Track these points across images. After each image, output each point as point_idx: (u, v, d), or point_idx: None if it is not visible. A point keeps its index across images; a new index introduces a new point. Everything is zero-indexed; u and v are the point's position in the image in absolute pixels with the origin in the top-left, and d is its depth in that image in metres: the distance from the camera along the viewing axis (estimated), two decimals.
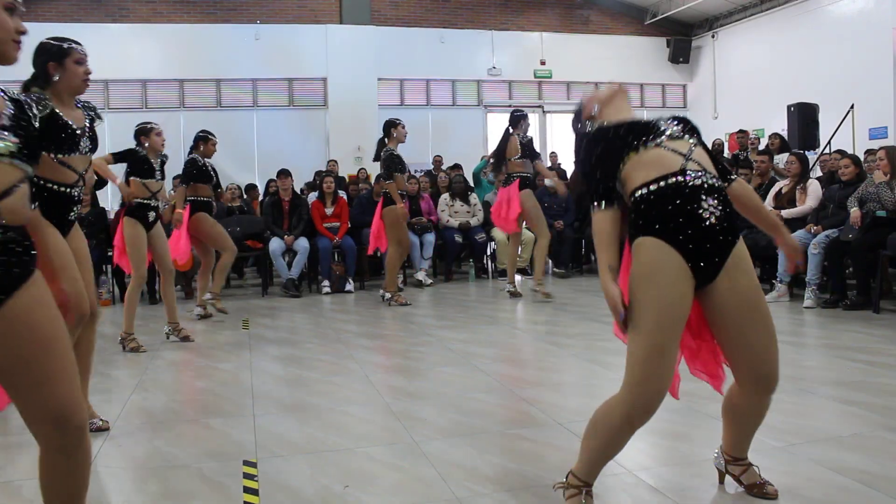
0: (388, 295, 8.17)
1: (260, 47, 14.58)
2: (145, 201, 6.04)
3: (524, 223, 8.30)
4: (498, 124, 8.39)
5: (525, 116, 8.21)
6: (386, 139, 8.03)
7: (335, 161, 12.94)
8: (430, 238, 9.95)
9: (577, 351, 5.59)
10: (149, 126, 6.15)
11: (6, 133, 2.04)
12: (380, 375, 5.21)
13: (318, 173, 11.74)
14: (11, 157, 2.01)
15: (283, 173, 9.59)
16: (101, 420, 3.95)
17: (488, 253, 10.76)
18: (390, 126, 8.03)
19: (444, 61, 15.44)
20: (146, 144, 6.09)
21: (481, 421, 3.91)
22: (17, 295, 2.01)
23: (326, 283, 9.35)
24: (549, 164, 13.23)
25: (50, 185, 3.58)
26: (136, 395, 4.62)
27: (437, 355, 5.64)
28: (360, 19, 14.92)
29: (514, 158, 8.05)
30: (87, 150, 3.75)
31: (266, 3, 14.78)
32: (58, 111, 3.61)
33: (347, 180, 12.59)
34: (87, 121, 3.79)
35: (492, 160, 8.62)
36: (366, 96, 14.71)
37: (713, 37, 16.63)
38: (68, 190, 3.64)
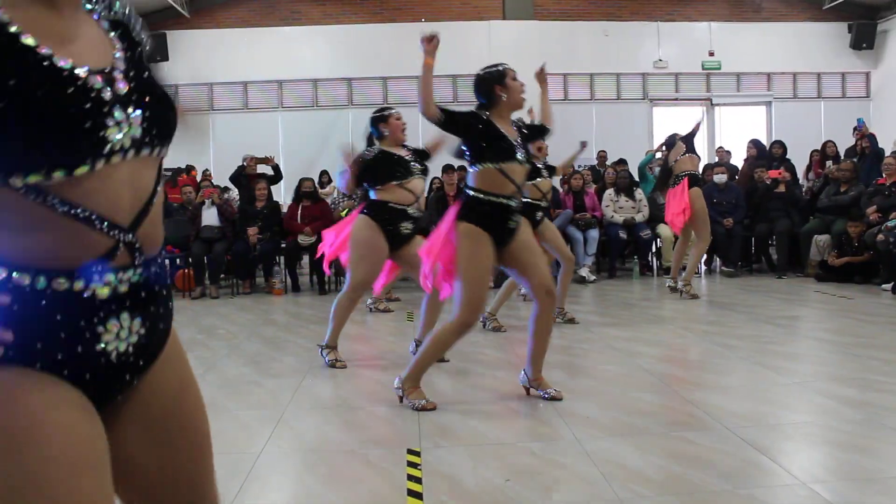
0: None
1: None
2: (534, 201, 6.40)
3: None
4: (664, 119, 8.18)
5: (673, 144, 8.12)
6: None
7: None
8: (594, 234, 9.82)
9: (746, 353, 5.36)
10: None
11: (127, 109, 1.18)
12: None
13: None
14: (137, 151, 1.20)
15: (450, 168, 9.74)
16: (555, 390, 4.26)
17: (653, 250, 10.50)
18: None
19: (608, 55, 15.10)
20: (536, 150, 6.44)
21: (645, 421, 3.84)
22: (159, 362, 1.36)
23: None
24: (716, 159, 12.70)
25: (490, 199, 3.97)
26: (307, 380, 4.83)
27: (600, 353, 5.57)
28: (523, 14, 14.88)
29: (680, 156, 7.87)
30: (524, 160, 4.11)
31: (430, 1, 15.01)
32: (496, 124, 4.06)
33: None
34: (519, 136, 4.18)
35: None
36: (529, 91, 14.52)
37: None
38: (507, 201, 4.01)
